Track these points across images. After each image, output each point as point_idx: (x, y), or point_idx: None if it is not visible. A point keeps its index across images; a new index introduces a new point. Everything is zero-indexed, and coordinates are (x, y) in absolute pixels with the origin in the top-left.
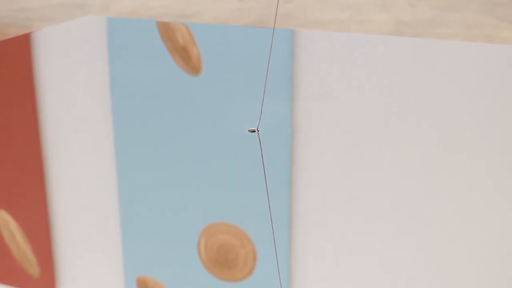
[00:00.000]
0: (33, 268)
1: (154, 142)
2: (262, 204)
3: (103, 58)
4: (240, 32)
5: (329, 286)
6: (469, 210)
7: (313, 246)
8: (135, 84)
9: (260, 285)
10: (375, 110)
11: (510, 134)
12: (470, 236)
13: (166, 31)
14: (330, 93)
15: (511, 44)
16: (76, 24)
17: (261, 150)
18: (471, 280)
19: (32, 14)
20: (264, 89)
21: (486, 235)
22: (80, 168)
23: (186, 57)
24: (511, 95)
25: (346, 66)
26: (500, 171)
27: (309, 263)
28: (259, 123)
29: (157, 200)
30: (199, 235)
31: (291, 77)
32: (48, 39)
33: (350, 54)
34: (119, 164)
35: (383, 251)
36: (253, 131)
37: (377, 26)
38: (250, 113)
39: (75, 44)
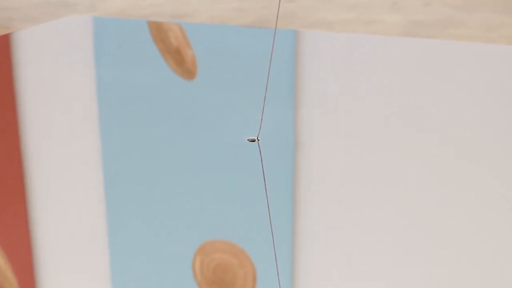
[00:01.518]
0: None
1: (145, 152)
2: (263, 219)
3: (89, 61)
4: (238, 33)
5: None
6: (482, 221)
7: (318, 266)
8: (124, 89)
9: None
10: (385, 119)
11: None
12: (484, 251)
13: (158, 32)
14: (336, 100)
15: None
16: (60, 25)
17: (262, 160)
18: None
19: (14, 14)
20: (264, 95)
21: (502, 249)
22: (65, 181)
23: (180, 60)
24: None
25: (353, 70)
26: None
27: (313, 284)
28: (259, 131)
29: (148, 216)
30: (194, 253)
31: (294, 82)
32: (30, 40)
33: (358, 57)
34: (107, 176)
35: (393, 271)
36: (253, 140)
37: (387, 27)
38: (249, 121)
39: (59, 46)
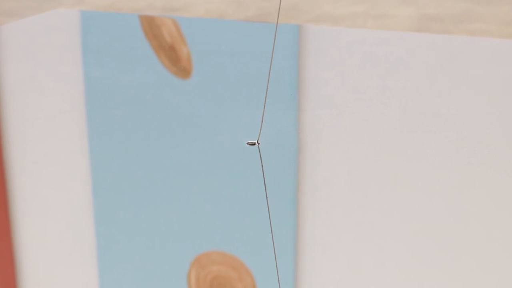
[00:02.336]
0: None
1: (136, 157)
2: (263, 229)
3: (77, 58)
4: (237, 28)
5: None
6: (497, 228)
7: (322, 280)
8: (114, 89)
9: None
10: (396, 122)
11: None
12: (495, 258)
13: (151, 27)
14: (343, 101)
15: None
16: (45, 19)
17: (262, 166)
18: None
19: None
20: (265, 95)
21: None
22: (49, 187)
23: (174, 58)
24: None
25: (362, 68)
26: None
27: None
28: (259, 135)
29: (139, 225)
30: (189, 266)
31: (297, 82)
32: (13, 36)
33: (366, 54)
34: (95, 183)
35: (402, 284)
36: (253, 144)
37: (398, 21)
38: (249, 124)
39: (43, 42)
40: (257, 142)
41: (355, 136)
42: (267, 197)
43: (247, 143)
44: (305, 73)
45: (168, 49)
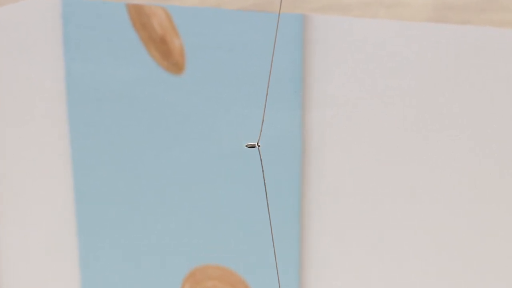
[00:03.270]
0: None
1: (124, 162)
2: (264, 241)
3: (57, 51)
4: (235, 18)
5: None
6: None
7: None
8: (99, 86)
9: None
10: (412, 123)
11: None
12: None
13: (140, 16)
14: (353, 99)
15: None
16: (23, 7)
17: (263, 171)
18: None
19: None
20: (266, 92)
21: None
22: (26, 196)
23: (165, 51)
24: None
25: (373, 63)
26: None
27: None
28: (259, 136)
29: (127, 236)
30: (182, 281)
31: (301, 78)
32: None
33: (379, 47)
34: (78, 191)
35: None
36: (252, 147)
37: (413, 11)
38: (248, 124)
39: (21, 32)
40: (257, 144)
41: (366, 138)
42: (268, 206)
43: (246, 146)
44: (310, 68)
45: (159, 41)
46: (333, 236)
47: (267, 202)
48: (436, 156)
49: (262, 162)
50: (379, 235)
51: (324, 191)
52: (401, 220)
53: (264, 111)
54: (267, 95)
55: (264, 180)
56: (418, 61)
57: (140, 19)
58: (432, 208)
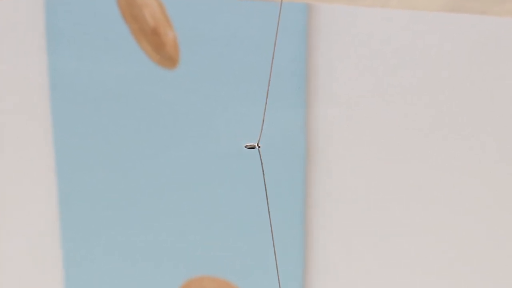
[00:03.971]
0: None
1: (113, 164)
2: (265, 251)
3: (40, 45)
4: (233, 8)
5: None
6: None
7: None
8: (85, 82)
9: None
10: (422, 121)
11: None
12: None
13: (130, 7)
14: (361, 96)
15: None
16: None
17: (263, 174)
18: None
19: None
20: (267, 88)
21: None
22: (9, 199)
23: (158, 44)
24: None
25: (385, 56)
26: None
27: None
28: (260, 136)
29: (116, 246)
30: None
31: (306, 72)
32: None
33: (389, 39)
34: (62, 195)
35: None
36: (252, 148)
37: (427, 0)
38: (247, 123)
39: (1, 25)
40: (258, 145)
41: (375, 139)
42: (269, 212)
43: (246, 147)
44: (315, 62)
45: (151, 33)
46: (340, 243)
47: (268, 208)
48: (452, 158)
49: (263, 164)
50: (388, 242)
51: (331, 195)
52: (412, 226)
53: (265, 109)
54: (268, 91)
55: (265, 184)
56: (432, 55)
57: (130, 9)
58: (448, 215)
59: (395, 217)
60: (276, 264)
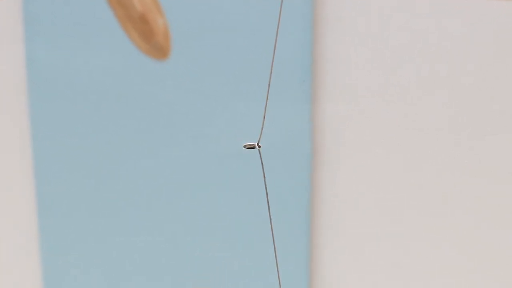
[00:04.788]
0: None
1: (98, 168)
2: (267, 262)
3: (17, 33)
4: None
5: None
6: None
7: None
8: (67, 74)
9: None
10: (444, 120)
11: None
12: None
13: None
14: (373, 91)
15: None
16: None
17: (264, 177)
18: None
19: None
20: (268, 82)
21: None
22: None
23: (146, 32)
24: None
25: (399, 46)
26: None
27: None
28: (260, 135)
29: (100, 259)
30: None
31: (311, 65)
32: None
33: (404, 26)
34: (41, 202)
35: None
36: (252, 148)
37: None
38: (246, 121)
39: None
40: (258, 145)
41: (389, 138)
42: (270, 219)
43: (245, 147)
44: (321, 53)
45: (139, 20)
46: (349, 255)
47: (269, 215)
48: (475, 162)
49: (264, 165)
50: (402, 249)
51: (339, 200)
52: (426, 231)
53: (266, 105)
54: (269, 85)
55: (266, 189)
56: (452, 45)
57: None
58: (470, 221)
59: (412, 226)
60: (279, 278)
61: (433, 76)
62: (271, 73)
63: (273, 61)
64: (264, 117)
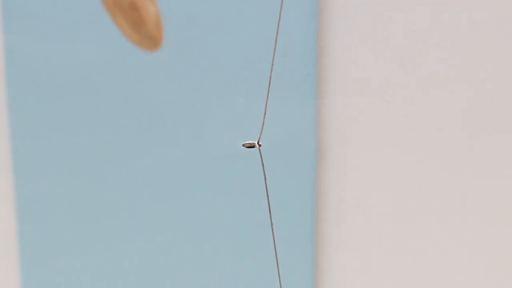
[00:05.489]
0: None
1: (84, 168)
2: (268, 270)
3: None
4: None
5: None
6: None
7: None
8: (50, 67)
9: None
10: (458, 116)
11: None
12: None
13: None
14: (381, 84)
15: None
16: None
17: (265, 178)
18: None
19: None
20: (269, 76)
21: None
22: None
23: (136, 20)
24: None
25: (412, 38)
26: None
27: None
28: (261, 133)
29: (86, 268)
30: None
31: (316, 57)
32: None
33: (417, 15)
34: (21, 205)
35: None
36: (252, 147)
37: None
38: (246, 117)
39: None
40: (258, 143)
41: (398, 136)
42: (271, 220)
43: (244, 145)
44: (327, 44)
45: (128, 7)
46: (356, 261)
47: (271, 219)
48: (492, 163)
49: (264, 166)
50: (410, 254)
51: (345, 202)
52: (438, 238)
53: (267, 100)
54: (270, 79)
55: (266, 191)
56: (470, 34)
57: None
58: (489, 230)
59: (423, 231)
60: (280, 283)
61: (445, 68)
62: (272, 65)
63: (274, 52)
64: (265, 113)
